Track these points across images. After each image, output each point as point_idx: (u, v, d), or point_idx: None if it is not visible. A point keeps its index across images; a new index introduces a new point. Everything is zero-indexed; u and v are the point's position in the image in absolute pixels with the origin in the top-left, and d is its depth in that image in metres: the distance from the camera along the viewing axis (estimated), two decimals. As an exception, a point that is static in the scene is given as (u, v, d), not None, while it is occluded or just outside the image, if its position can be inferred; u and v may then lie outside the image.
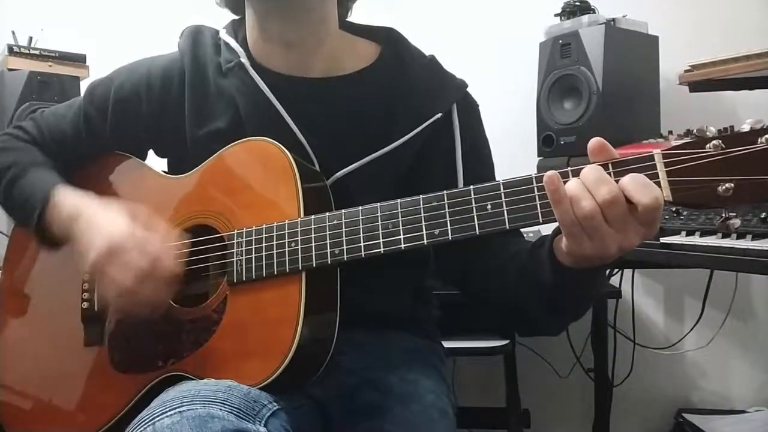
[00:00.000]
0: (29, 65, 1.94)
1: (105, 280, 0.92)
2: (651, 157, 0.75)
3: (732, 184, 0.72)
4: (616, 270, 2.05)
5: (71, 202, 1.01)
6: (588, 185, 0.73)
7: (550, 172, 0.75)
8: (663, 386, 2.21)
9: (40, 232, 1.04)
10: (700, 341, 2.13)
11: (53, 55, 1.99)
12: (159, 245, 0.92)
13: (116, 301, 0.93)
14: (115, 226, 0.93)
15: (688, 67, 1.83)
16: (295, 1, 1.00)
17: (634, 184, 0.72)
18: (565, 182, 0.75)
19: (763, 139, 0.71)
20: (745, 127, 0.73)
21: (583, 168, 0.75)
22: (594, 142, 0.77)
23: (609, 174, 0.75)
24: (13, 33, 2.05)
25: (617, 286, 2.07)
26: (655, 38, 1.98)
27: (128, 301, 0.92)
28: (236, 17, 1.12)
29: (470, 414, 2.03)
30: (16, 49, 1.95)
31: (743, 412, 2.06)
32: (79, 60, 2.02)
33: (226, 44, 1.07)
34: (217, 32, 1.11)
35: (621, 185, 0.73)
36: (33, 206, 1.03)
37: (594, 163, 0.77)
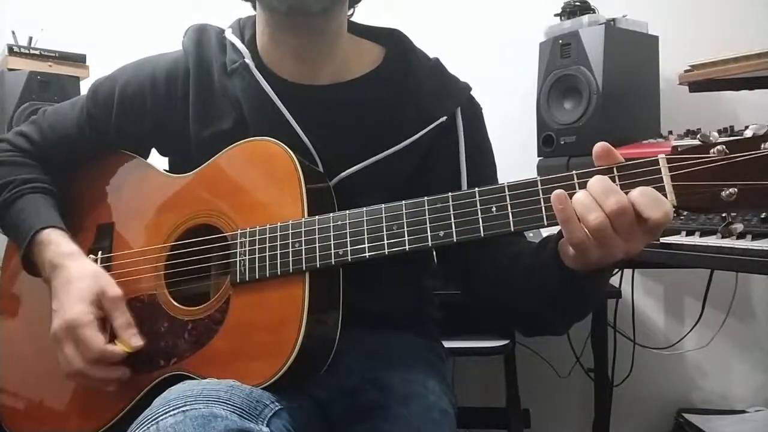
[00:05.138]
0: (29, 65, 1.94)
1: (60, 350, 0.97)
2: (656, 162, 0.75)
3: (735, 190, 0.72)
4: (616, 270, 2.05)
5: (55, 248, 1.02)
6: (596, 196, 0.74)
7: (558, 191, 0.75)
8: (663, 386, 2.21)
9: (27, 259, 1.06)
10: (700, 341, 2.13)
11: (53, 55, 1.98)
12: (96, 351, 0.94)
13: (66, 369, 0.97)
14: (74, 310, 0.96)
15: (688, 67, 1.83)
16: (314, 22, 1.00)
17: (645, 199, 0.72)
18: (571, 193, 0.75)
19: (767, 145, 0.71)
20: (749, 133, 0.73)
21: (589, 177, 0.75)
22: (599, 146, 0.77)
23: (614, 178, 0.75)
24: (13, 33, 2.05)
25: (617, 286, 2.07)
26: (655, 38, 1.98)
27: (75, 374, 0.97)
28: (242, 16, 1.12)
29: (470, 414, 2.03)
30: (16, 49, 1.94)
31: (743, 412, 2.07)
32: (79, 60, 2.02)
33: (232, 44, 1.07)
34: (222, 31, 1.10)
35: (631, 199, 0.73)
36: (21, 239, 1.05)
37: (598, 167, 0.77)
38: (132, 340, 0.96)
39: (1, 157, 1.13)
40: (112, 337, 0.97)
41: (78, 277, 0.99)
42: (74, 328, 0.95)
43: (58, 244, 1.03)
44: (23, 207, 1.07)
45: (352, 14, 1.11)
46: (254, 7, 1.07)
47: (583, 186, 0.76)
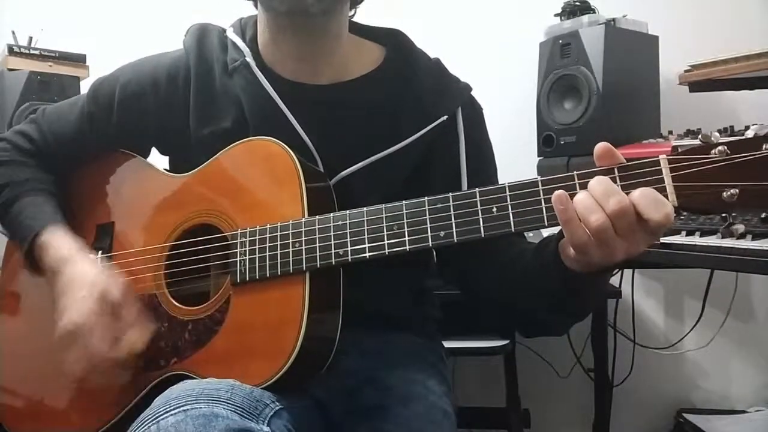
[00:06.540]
0: (29, 65, 1.94)
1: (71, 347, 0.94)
2: (657, 162, 0.75)
3: (737, 190, 0.71)
4: (616, 270, 2.05)
5: (55, 251, 1.02)
6: (597, 197, 0.73)
7: (559, 192, 0.75)
8: (663, 386, 2.21)
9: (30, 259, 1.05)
10: (700, 341, 2.13)
11: (53, 55, 1.98)
12: (100, 357, 0.93)
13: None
14: (83, 305, 0.94)
15: (688, 67, 1.83)
16: (314, 23, 1.00)
17: (646, 201, 0.72)
18: (572, 194, 0.75)
19: (768, 145, 0.71)
20: (750, 133, 0.73)
21: (589, 178, 0.75)
22: (600, 147, 0.77)
23: (615, 179, 0.75)
24: (13, 33, 2.05)
25: (617, 286, 2.07)
26: (655, 38, 1.98)
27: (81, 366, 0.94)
28: (243, 16, 1.12)
29: (470, 414, 2.03)
30: (16, 49, 1.95)
31: (743, 412, 2.07)
32: (79, 60, 2.02)
33: (233, 43, 1.07)
34: (223, 30, 1.11)
35: (632, 200, 0.73)
36: (23, 238, 1.04)
37: (599, 167, 0.77)
38: (134, 342, 0.94)
39: (4, 158, 1.12)
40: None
41: (80, 282, 0.97)
42: (79, 332, 0.93)
43: (57, 247, 1.02)
44: (21, 209, 1.07)
45: (353, 15, 1.11)
46: (255, 7, 1.07)
47: (584, 186, 0.76)
